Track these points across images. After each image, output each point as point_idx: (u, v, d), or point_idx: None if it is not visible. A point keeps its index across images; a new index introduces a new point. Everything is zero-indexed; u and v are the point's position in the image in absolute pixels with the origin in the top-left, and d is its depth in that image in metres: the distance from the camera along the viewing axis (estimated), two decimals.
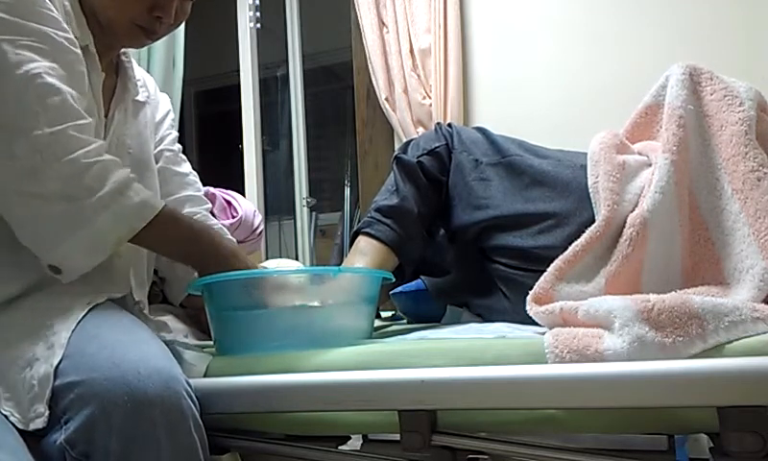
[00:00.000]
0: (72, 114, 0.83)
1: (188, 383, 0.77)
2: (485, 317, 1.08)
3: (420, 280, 1.21)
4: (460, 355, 0.77)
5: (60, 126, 0.81)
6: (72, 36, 0.89)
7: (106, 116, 0.99)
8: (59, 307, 0.82)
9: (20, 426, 0.73)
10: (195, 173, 1.22)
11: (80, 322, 0.80)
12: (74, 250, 0.82)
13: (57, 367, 0.74)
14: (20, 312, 0.84)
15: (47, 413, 0.73)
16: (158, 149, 1.14)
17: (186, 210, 1.15)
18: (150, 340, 0.82)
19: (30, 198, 0.81)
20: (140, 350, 0.77)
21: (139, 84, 1.09)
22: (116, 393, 0.71)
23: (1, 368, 0.78)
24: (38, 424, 0.73)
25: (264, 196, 2.80)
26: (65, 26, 0.88)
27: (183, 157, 1.20)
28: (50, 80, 0.82)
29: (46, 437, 0.74)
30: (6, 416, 0.74)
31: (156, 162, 1.12)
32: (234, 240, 1.20)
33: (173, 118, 1.20)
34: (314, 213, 3.23)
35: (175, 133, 1.19)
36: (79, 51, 0.89)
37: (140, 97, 1.08)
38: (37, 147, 0.80)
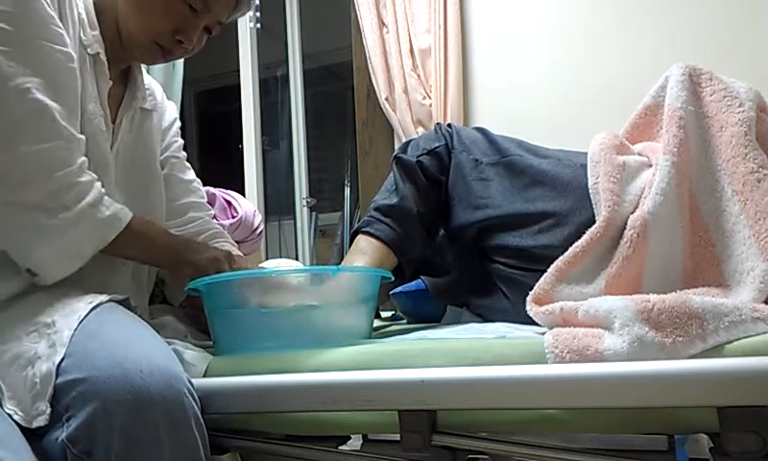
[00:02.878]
0: (59, 133, 0.85)
1: (190, 382, 0.77)
2: (485, 317, 1.08)
3: (420, 280, 1.21)
4: (460, 355, 0.77)
5: (47, 144, 0.84)
6: (70, 50, 0.89)
7: (113, 123, 1.00)
8: (61, 306, 0.83)
9: (23, 424, 0.73)
10: (198, 180, 1.24)
11: (82, 320, 0.80)
12: (48, 258, 0.85)
13: (59, 365, 0.74)
14: (22, 310, 0.84)
15: (49, 411, 0.73)
16: (164, 156, 1.16)
17: (190, 215, 1.17)
18: (152, 339, 0.82)
19: (8, 207, 0.83)
20: (143, 348, 0.77)
21: (148, 92, 1.10)
22: (119, 391, 0.71)
23: (3, 366, 0.78)
24: (40, 421, 0.73)
25: (264, 196, 2.80)
26: (66, 40, 0.89)
27: (188, 164, 1.22)
28: (39, 96, 0.84)
29: (48, 435, 0.74)
30: (9, 415, 0.74)
31: (162, 169, 1.14)
32: (227, 239, 1.21)
33: (179, 126, 1.22)
34: (314, 213, 3.23)
35: (181, 141, 1.21)
36: (74, 66, 0.90)
37: (147, 105, 1.09)
38: (23, 162, 0.82)
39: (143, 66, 1.10)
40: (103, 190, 0.89)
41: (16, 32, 0.83)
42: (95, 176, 0.89)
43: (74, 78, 0.90)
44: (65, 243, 0.85)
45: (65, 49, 0.88)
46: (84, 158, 0.88)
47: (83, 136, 0.89)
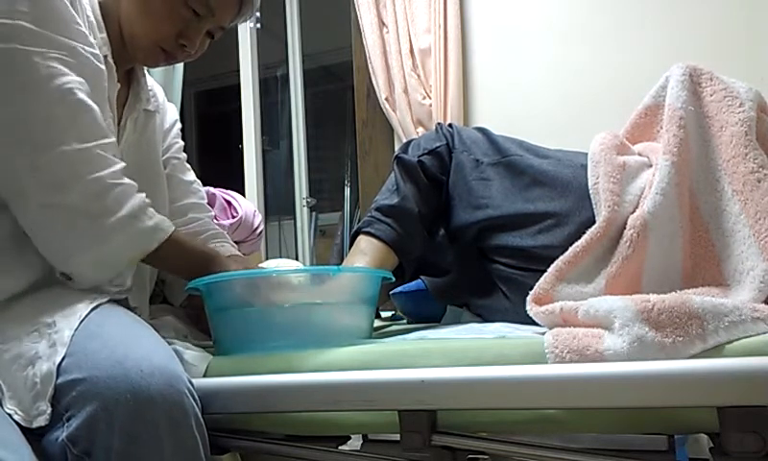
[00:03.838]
0: (99, 133, 0.86)
1: (190, 382, 0.77)
2: (485, 317, 1.08)
3: (420, 280, 1.21)
4: (460, 355, 0.77)
5: (88, 144, 0.84)
6: (97, 51, 0.91)
7: (118, 124, 1.01)
8: (61, 305, 0.83)
9: (24, 424, 0.73)
10: (199, 181, 1.25)
11: (82, 320, 0.80)
12: (87, 263, 0.85)
13: (59, 364, 0.75)
14: (23, 310, 0.84)
15: (49, 411, 0.73)
16: (166, 157, 1.17)
17: (190, 216, 1.18)
18: (152, 338, 0.82)
19: (50, 209, 0.83)
20: (143, 348, 0.77)
21: (150, 93, 1.11)
22: (119, 391, 0.71)
23: (3, 366, 0.78)
24: (41, 421, 0.73)
25: (264, 196, 2.80)
26: (91, 41, 0.90)
27: (188, 165, 1.23)
28: (81, 96, 0.85)
29: (48, 434, 0.74)
30: (9, 414, 0.74)
31: (164, 169, 1.15)
32: (240, 255, 1.21)
33: (180, 128, 1.23)
34: (314, 213, 3.23)
35: (181, 143, 1.22)
36: (103, 66, 0.91)
37: (150, 106, 1.10)
38: (64, 162, 0.82)
39: (145, 68, 1.11)
40: (147, 200, 0.89)
41: (47, 33, 0.84)
42: (134, 183, 0.89)
43: (102, 79, 0.91)
44: (107, 251, 0.85)
45: (94, 51, 0.90)
46: (122, 163, 0.88)
47: (114, 139, 0.89)
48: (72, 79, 0.84)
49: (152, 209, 0.89)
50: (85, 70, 0.87)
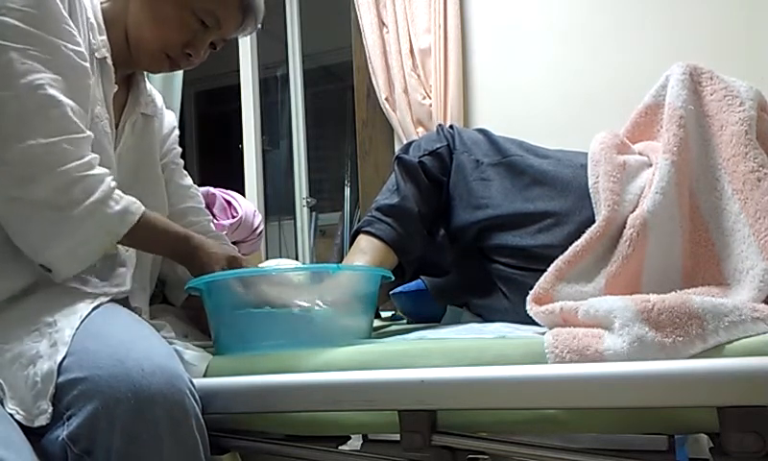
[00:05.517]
0: (69, 128, 0.85)
1: (191, 381, 0.78)
2: (485, 317, 1.08)
3: (420, 280, 1.21)
4: (460, 355, 0.77)
5: (56, 138, 0.83)
6: (83, 49, 0.91)
7: (116, 127, 1.01)
8: (62, 305, 0.83)
9: (25, 423, 0.74)
10: (196, 186, 1.26)
11: (83, 320, 0.80)
12: (60, 255, 0.85)
13: (60, 363, 0.75)
14: (23, 310, 0.84)
15: (50, 409, 0.73)
16: (164, 161, 1.17)
17: (189, 219, 1.19)
18: (153, 338, 0.82)
19: (18, 203, 0.83)
20: (144, 347, 0.77)
21: (149, 98, 1.12)
22: (120, 389, 0.71)
23: (4, 365, 0.78)
24: (42, 420, 0.73)
25: (264, 196, 2.80)
26: (78, 40, 0.90)
27: (185, 171, 1.24)
28: (52, 91, 0.84)
29: (48, 433, 0.74)
30: (11, 414, 0.74)
31: (162, 173, 1.15)
32: (225, 242, 1.21)
33: (177, 134, 1.24)
34: (314, 213, 3.23)
35: (179, 149, 1.23)
36: (87, 64, 0.91)
37: (149, 111, 1.11)
38: (31, 156, 0.82)
39: (144, 73, 1.11)
40: (113, 184, 0.88)
41: (31, 30, 0.84)
42: (107, 170, 0.89)
43: (86, 76, 0.91)
44: (77, 240, 0.85)
45: (79, 48, 0.90)
46: (94, 155, 0.88)
47: (91, 134, 0.89)
48: (45, 75, 0.84)
49: (119, 193, 0.88)
50: (65, 68, 0.87)
